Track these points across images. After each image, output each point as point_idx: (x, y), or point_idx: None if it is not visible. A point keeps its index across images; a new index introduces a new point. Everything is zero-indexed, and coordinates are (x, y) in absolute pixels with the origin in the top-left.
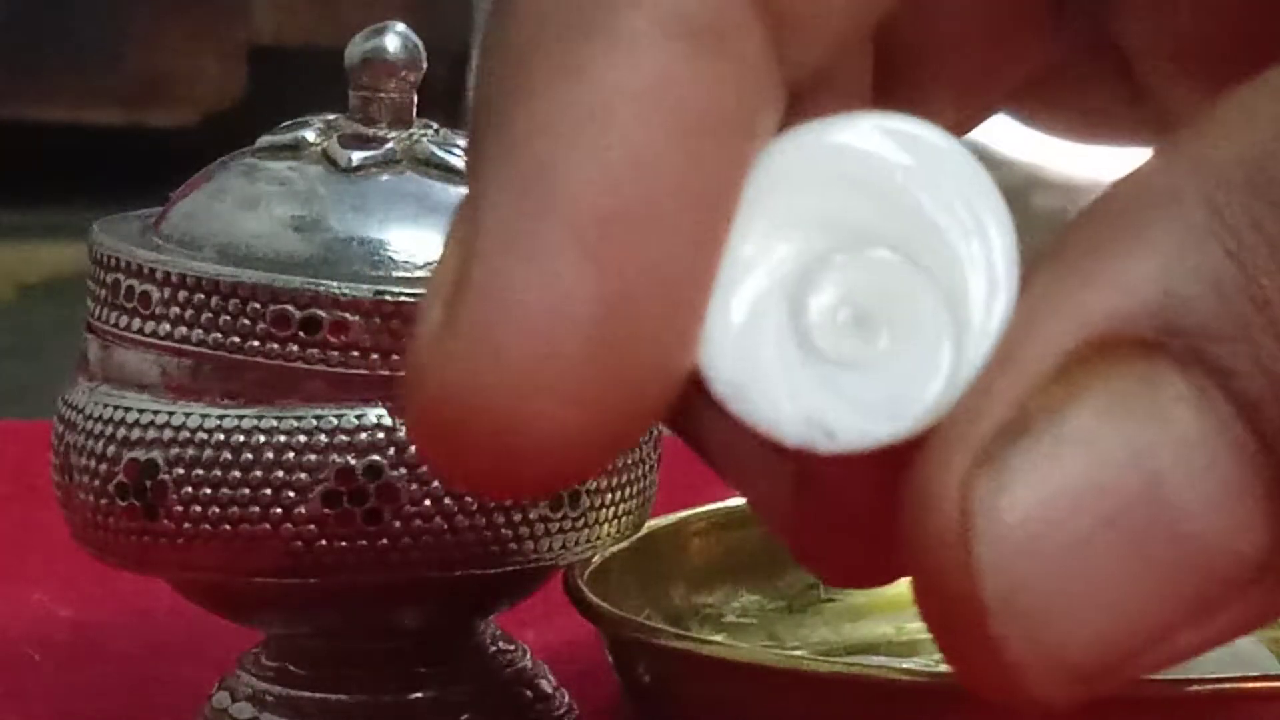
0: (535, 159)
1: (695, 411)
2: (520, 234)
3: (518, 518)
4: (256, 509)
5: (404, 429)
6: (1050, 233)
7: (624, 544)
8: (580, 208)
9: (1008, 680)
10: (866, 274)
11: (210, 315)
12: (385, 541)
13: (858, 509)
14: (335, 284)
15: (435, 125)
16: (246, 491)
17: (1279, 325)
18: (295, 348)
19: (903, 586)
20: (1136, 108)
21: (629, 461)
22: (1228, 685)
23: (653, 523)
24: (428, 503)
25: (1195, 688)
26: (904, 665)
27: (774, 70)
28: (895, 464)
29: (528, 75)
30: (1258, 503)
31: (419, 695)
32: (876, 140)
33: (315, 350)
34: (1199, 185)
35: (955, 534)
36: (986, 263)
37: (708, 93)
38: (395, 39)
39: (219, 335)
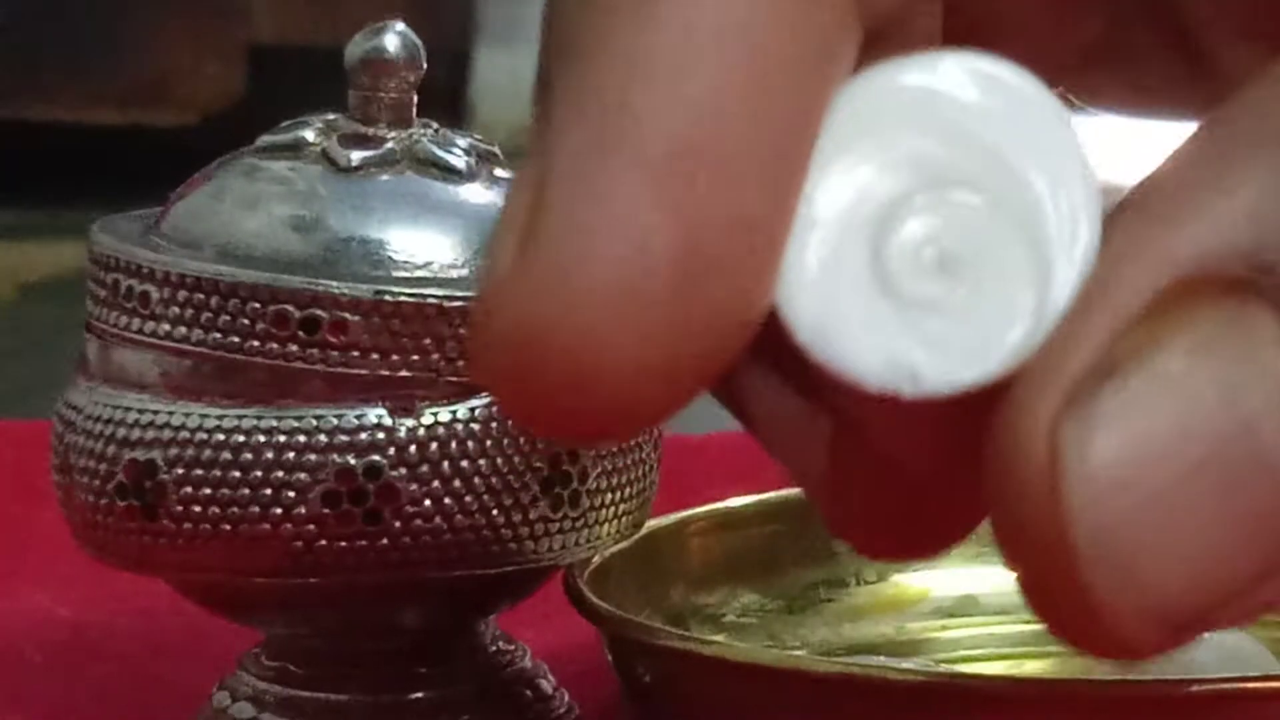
0: (611, 96)
1: (736, 372)
2: (596, 172)
3: (518, 518)
4: (256, 509)
5: (402, 428)
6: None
7: (624, 544)
8: (657, 146)
9: (1098, 628)
10: (948, 216)
11: (210, 315)
12: (385, 541)
13: (915, 466)
14: (335, 284)
15: (435, 125)
16: (246, 491)
17: None
18: (295, 348)
19: (902, 586)
20: (1193, 78)
21: (629, 461)
22: (1228, 685)
23: (653, 523)
24: (427, 503)
25: (1195, 688)
26: (904, 665)
27: (852, 9)
28: (969, 413)
29: (606, 12)
30: None
31: (419, 695)
32: (957, 79)
33: (315, 350)
34: None
35: (1044, 477)
36: (1069, 206)
37: (788, 31)
38: (395, 39)
39: (219, 335)
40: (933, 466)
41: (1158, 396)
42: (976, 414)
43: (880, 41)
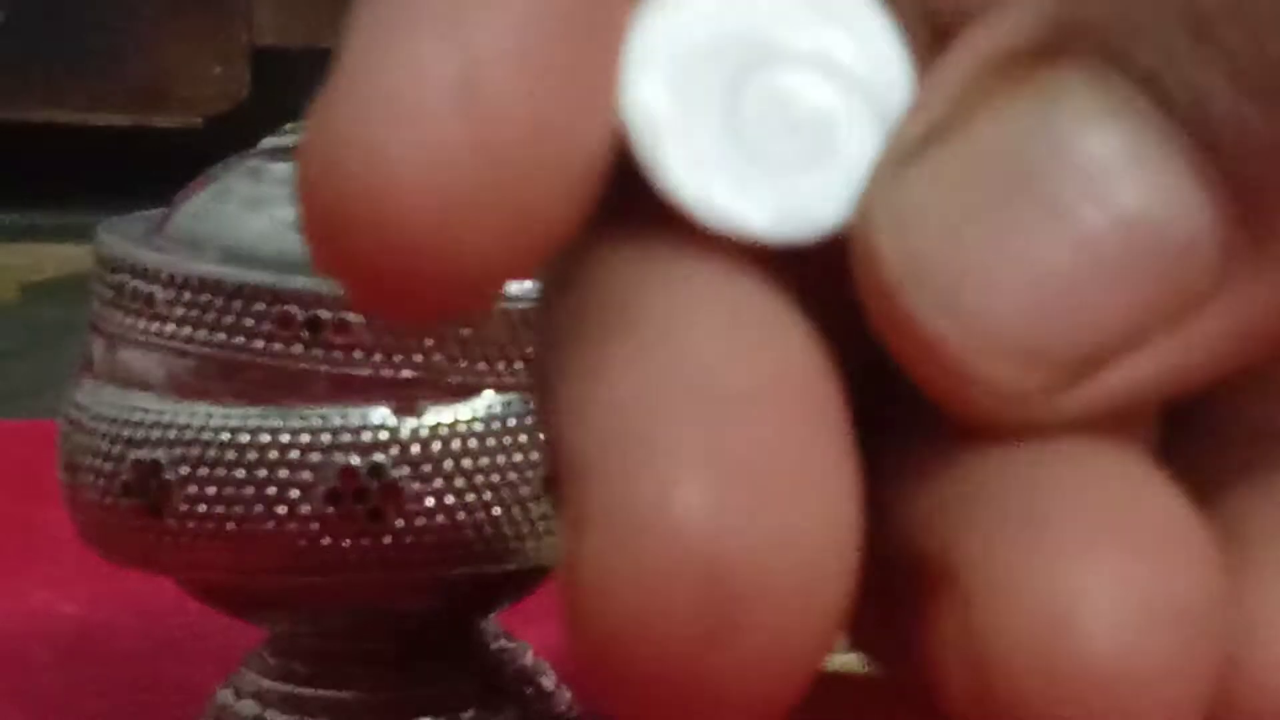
0: None
1: None
2: (381, 20)
3: (520, 516)
4: (260, 508)
5: (405, 427)
6: None
7: None
8: None
9: (941, 360)
10: (779, 83)
11: (214, 316)
12: (388, 540)
13: None
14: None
15: None
16: (250, 491)
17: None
18: (299, 348)
19: None
20: None
21: None
22: None
23: None
24: (430, 502)
25: None
26: None
27: None
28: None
29: None
30: (1189, 183)
31: (421, 692)
32: None
33: (319, 350)
34: None
35: (862, 235)
36: (877, 48)
37: None
38: None
39: (223, 336)
40: None
41: (966, 139)
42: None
43: None
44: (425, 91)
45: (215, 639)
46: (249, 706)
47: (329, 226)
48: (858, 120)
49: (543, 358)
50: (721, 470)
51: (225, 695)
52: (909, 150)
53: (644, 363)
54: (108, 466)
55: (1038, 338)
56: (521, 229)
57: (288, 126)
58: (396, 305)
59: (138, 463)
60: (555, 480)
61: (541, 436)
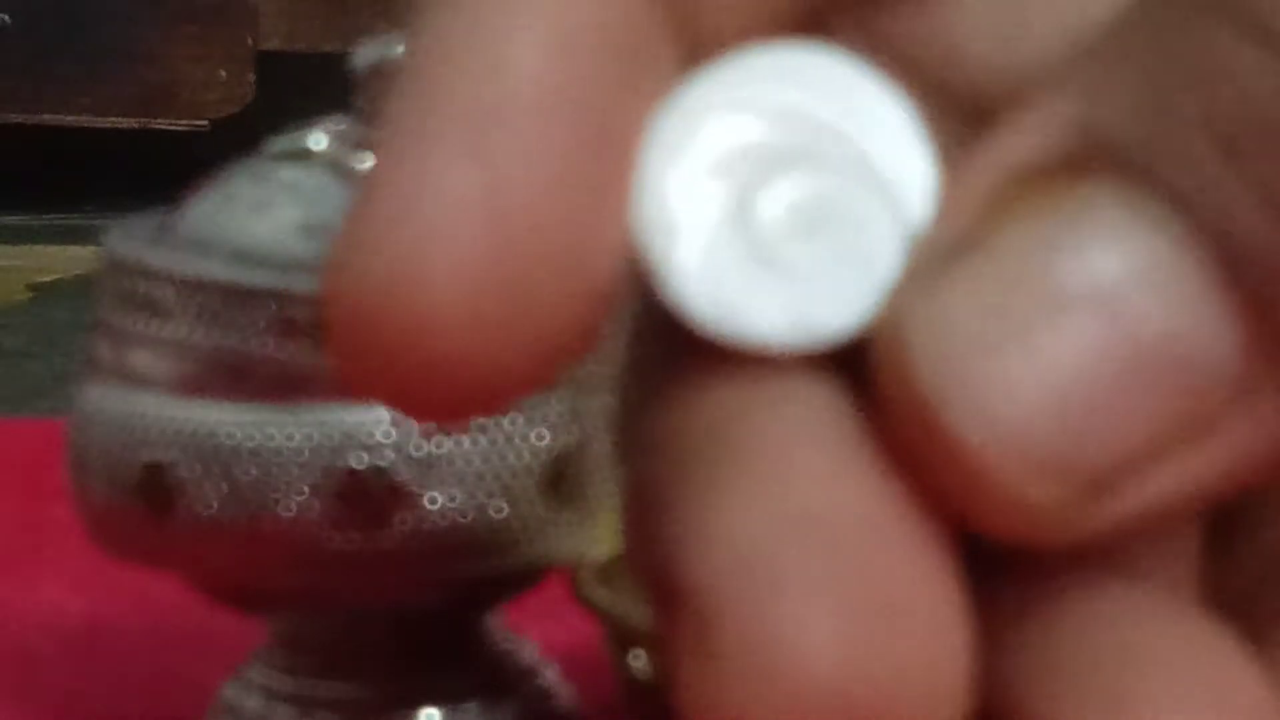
0: (422, 72)
1: None
2: (404, 134)
3: (521, 516)
4: (266, 507)
5: (409, 428)
6: None
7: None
8: (456, 105)
9: (972, 472)
10: (797, 187)
11: (220, 317)
12: (391, 539)
13: None
14: None
15: None
16: (256, 490)
17: (1202, 126)
18: (304, 350)
19: None
20: None
21: None
22: None
23: None
24: (433, 502)
25: None
26: None
27: (668, 23)
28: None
29: (424, 13)
30: (1212, 302)
31: (424, 689)
32: (772, 68)
33: (324, 352)
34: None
35: (892, 345)
36: (899, 151)
37: (598, 17)
38: (402, 45)
39: (229, 337)
40: None
41: (995, 259)
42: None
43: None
44: (451, 211)
45: (221, 635)
46: (255, 701)
47: (357, 342)
48: (878, 222)
49: (638, 467)
50: (847, 603)
51: (231, 691)
52: (937, 260)
53: (759, 497)
54: (115, 466)
55: (1064, 450)
56: (544, 341)
57: (294, 130)
58: (423, 411)
59: (144, 462)
60: (663, 603)
61: (635, 556)
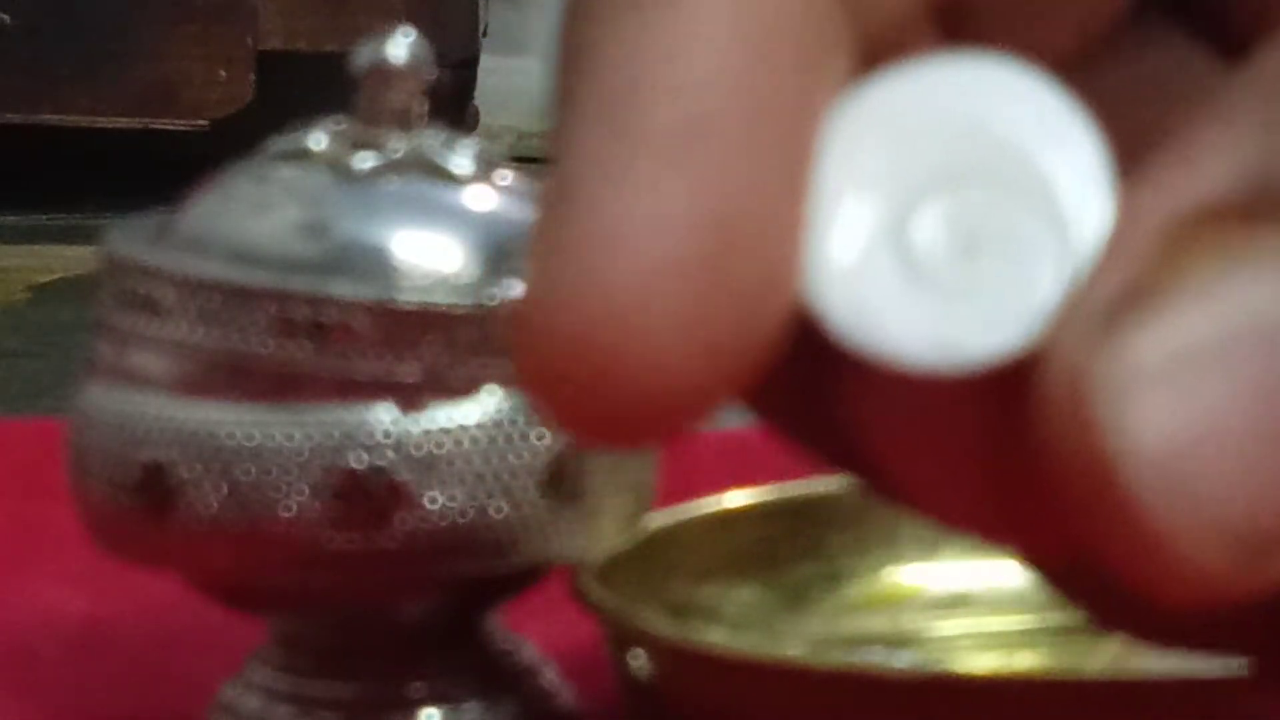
0: (618, 85)
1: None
2: (605, 157)
3: (520, 515)
4: (266, 507)
5: (408, 427)
6: None
7: (625, 541)
8: (664, 124)
9: (1159, 551)
10: (961, 203)
11: (220, 317)
12: (391, 539)
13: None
14: (343, 287)
15: (441, 131)
16: (256, 490)
17: None
18: (304, 349)
19: (897, 581)
20: (1209, 70)
21: (629, 460)
22: (1219, 678)
23: (653, 521)
24: (433, 501)
25: (1191, 685)
26: (901, 659)
27: (846, 24)
28: (1003, 397)
29: (600, 22)
30: None
31: (423, 689)
32: (950, 77)
33: (323, 352)
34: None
35: (1069, 393)
36: (1078, 175)
37: (784, 28)
38: (402, 45)
39: (229, 337)
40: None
41: (1179, 311)
42: (1013, 389)
43: (877, 59)
44: (664, 228)
45: (221, 635)
46: (254, 701)
47: (562, 371)
48: (1042, 246)
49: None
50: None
51: (231, 691)
52: (1116, 301)
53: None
54: (115, 466)
55: (1251, 516)
56: (749, 365)
57: (293, 130)
58: (624, 438)
59: (145, 462)
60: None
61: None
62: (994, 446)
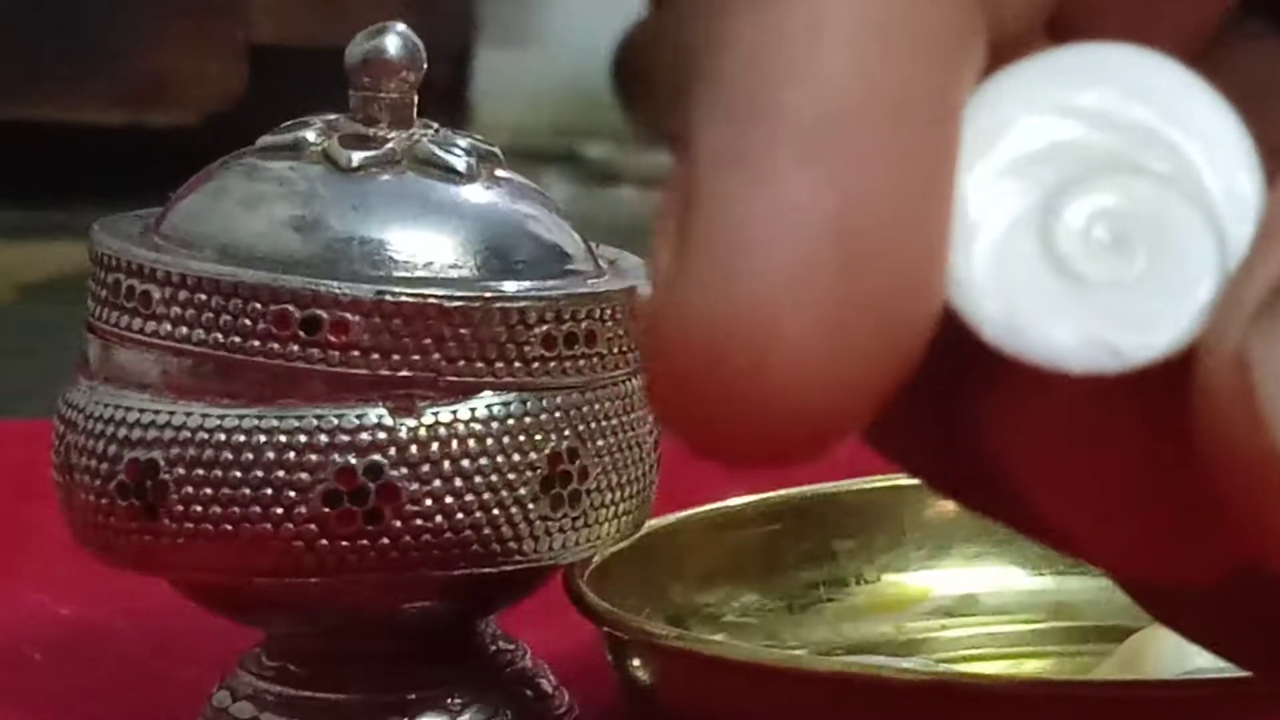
0: (748, 80)
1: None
2: (739, 153)
3: (518, 517)
4: (257, 509)
5: (403, 427)
6: None
7: (624, 544)
8: (802, 121)
9: None
10: (1110, 196)
11: (211, 315)
12: (385, 541)
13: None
14: (336, 284)
15: (435, 125)
16: (247, 491)
17: None
18: (296, 347)
19: (902, 586)
20: None
21: (629, 461)
22: (1226, 686)
23: (653, 523)
24: (428, 502)
25: (1194, 688)
26: (904, 665)
27: (981, 17)
28: (1161, 390)
29: (728, 14)
30: None
31: (419, 694)
32: (1089, 67)
33: (316, 350)
34: None
35: (1233, 387)
36: (1227, 165)
37: (920, 18)
38: (395, 39)
39: (219, 335)
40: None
41: None
42: (1169, 390)
43: (1003, 56)
44: (799, 227)
45: (211, 640)
46: (245, 709)
47: (697, 386)
48: (1197, 239)
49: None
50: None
51: (221, 697)
52: (1273, 292)
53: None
54: (103, 467)
55: None
56: (891, 376)
57: (285, 125)
58: (758, 455)
59: (133, 463)
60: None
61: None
62: (1144, 452)
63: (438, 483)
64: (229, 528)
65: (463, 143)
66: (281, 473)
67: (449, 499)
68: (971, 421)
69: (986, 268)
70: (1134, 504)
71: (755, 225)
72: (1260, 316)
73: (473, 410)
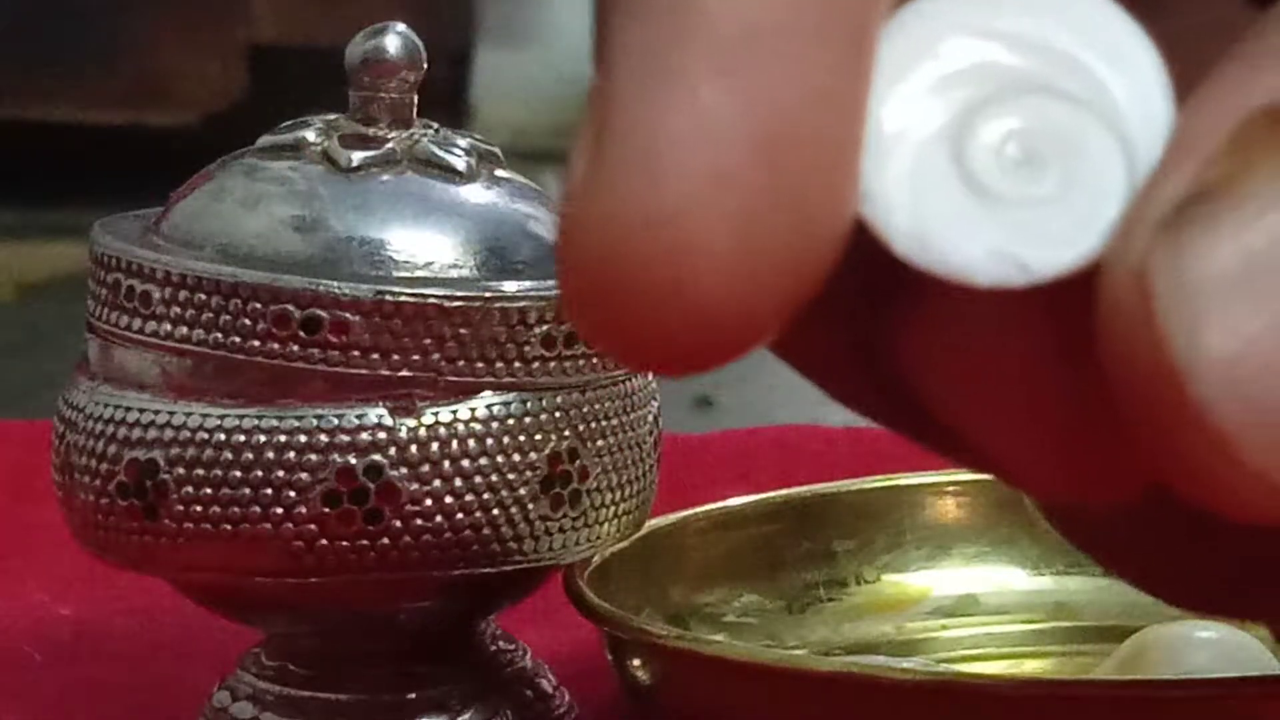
0: None
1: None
2: (657, 60)
3: (518, 517)
4: (257, 508)
5: (403, 427)
6: None
7: (624, 544)
8: (717, 25)
9: (1230, 464)
10: (1021, 115)
11: (211, 315)
12: (386, 541)
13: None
14: (336, 284)
15: (435, 125)
16: (247, 491)
17: None
18: (296, 347)
19: (902, 585)
20: None
21: (629, 461)
22: (1225, 685)
23: (653, 523)
24: (428, 502)
25: (1193, 688)
26: (904, 665)
27: None
28: (1069, 307)
29: None
30: None
31: (419, 694)
32: None
33: (316, 350)
34: None
35: (1135, 300)
36: (1142, 90)
37: None
38: (395, 39)
39: (219, 335)
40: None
41: (1247, 212)
42: (1081, 309)
43: None
44: (713, 133)
45: (211, 640)
46: (245, 708)
47: (608, 288)
48: (1108, 157)
49: None
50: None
51: (222, 697)
52: (1182, 206)
53: None
54: (103, 467)
55: None
56: (804, 285)
57: (285, 124)
58: (672, 363)
59: (133, 463)
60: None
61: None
62: (1056, 371)
63: (438, 483)
64: (229, 528)
65: (462, 143)
66: (281, 472)
67: (449, 499)
68: (888, 340)
69: (899, 182)
70: (1048, 421)
71: (673, 130)
72: (1162, 231)
73: (473, 410)
